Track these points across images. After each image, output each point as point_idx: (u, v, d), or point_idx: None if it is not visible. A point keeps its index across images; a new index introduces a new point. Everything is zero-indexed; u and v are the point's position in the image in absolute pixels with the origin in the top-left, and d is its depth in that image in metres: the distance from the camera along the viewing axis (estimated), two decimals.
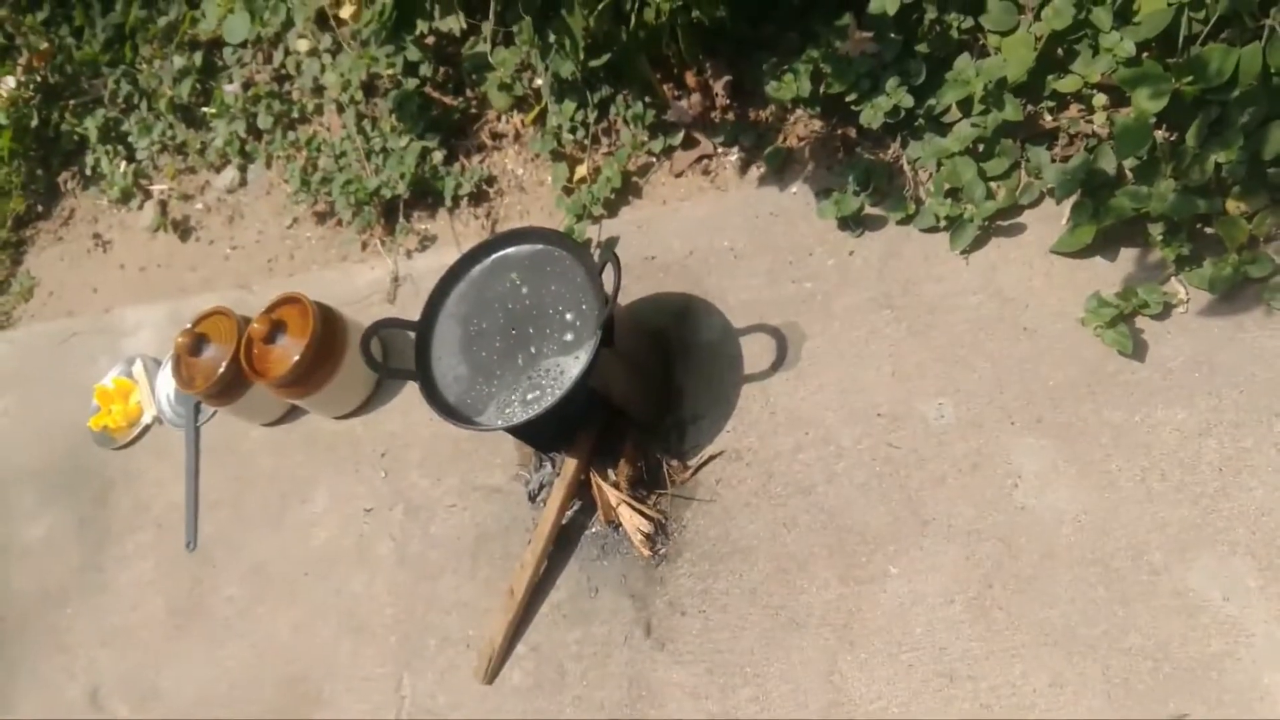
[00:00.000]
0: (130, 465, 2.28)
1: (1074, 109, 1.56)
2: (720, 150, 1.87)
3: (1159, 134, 1.46)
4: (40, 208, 2.82)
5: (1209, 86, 1.37)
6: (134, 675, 2.03)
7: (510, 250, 1.66)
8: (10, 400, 2.57)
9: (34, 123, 2.72)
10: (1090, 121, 1.53)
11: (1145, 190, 1.40)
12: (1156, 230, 1.42)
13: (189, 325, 2.04)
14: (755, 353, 1.70)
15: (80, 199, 2.77)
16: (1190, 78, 1.37)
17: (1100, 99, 1.51)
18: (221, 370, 1.96)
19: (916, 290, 1.62)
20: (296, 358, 1.87)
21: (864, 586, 1.47)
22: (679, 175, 1.90)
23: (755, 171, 1.83)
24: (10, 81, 2.75)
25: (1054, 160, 1.55)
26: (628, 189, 1.94)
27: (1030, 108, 1.58)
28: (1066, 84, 1.51)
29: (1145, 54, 1.46)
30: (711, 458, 1.65)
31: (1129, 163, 1.48)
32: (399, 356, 2.04)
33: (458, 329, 1.65)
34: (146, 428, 2.30)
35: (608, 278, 1.51)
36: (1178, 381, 1.40)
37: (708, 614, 1.55)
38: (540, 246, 1.64)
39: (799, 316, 1.68)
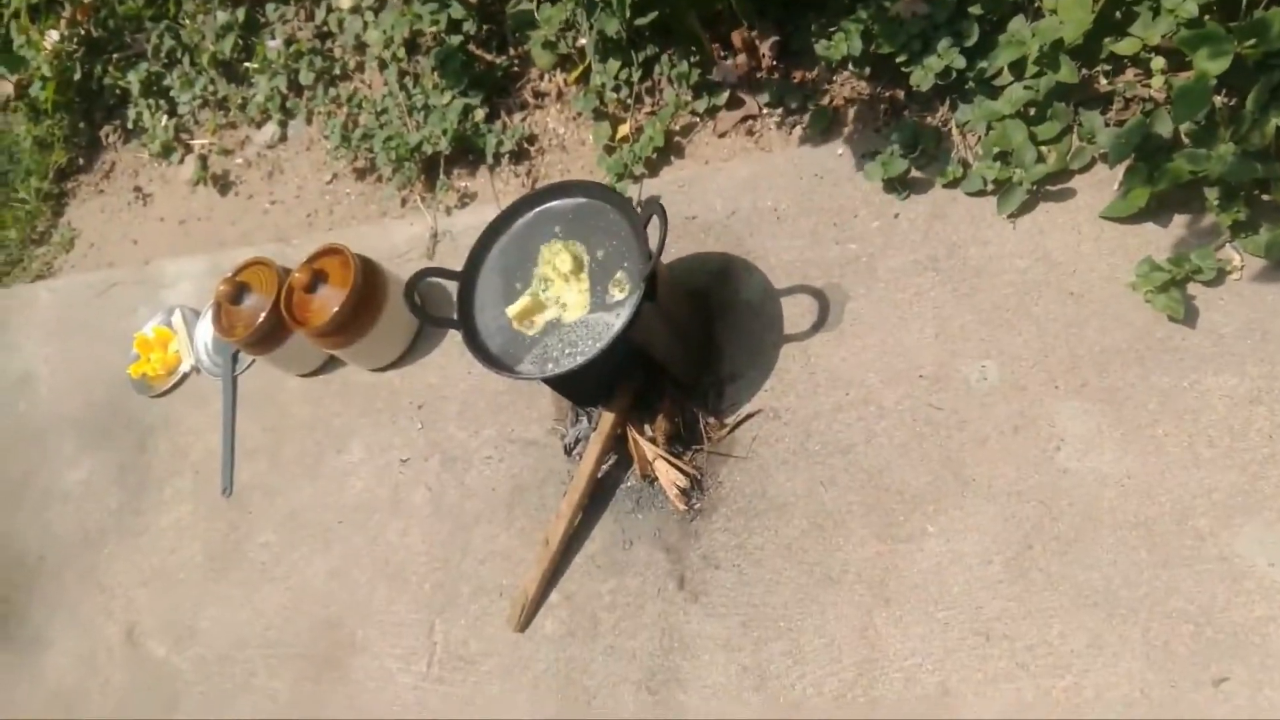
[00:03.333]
0: (168, 413, 2.32)
1: (1130, 73, 1.54)
2: (765, 111, 1.86)
3: (1218, 99, 1.44)
4: (82, 160, 2.85)
5: (1271, 50, 1.35)
6: (171, 615, 2.07)
7: (554, 203, 1.66)
8: (51, 348, 2.61)
9: (77, 76, 2.75)
10: (1148, 85, 1.51)
11: (1204, 153, 1.38)
12: (1213, 195, 1.40)
13: (230, 274, 2.06)
14: (796, 313, 1.70)
15: (121, 152, 2.80)
16: (1253, 40, 1.35)
17: (1159, 62, 1.49)
18: (262, 319, 1.98)
19: (962, 253, 1.61)
20: (337, 308, 1.89)
21: (901, 545, 1.47)
22: (723, 135, 1.90)
23: (800, 133, 1.82)
24: (54, 35, 2.78)
25: (1108, 124, 1.53)
26: (670, 149, 1.94)
27: (1085, 71, 1.56)
28: (1124, 46, 1.49)
29: (1207, 16, 1.44)
30: (749, 416, 1.66)
31: (1185, 128, 1.46)
32: (436, 312, 2.06)
33: (500, 280, 1.65)
34: (185, 376, 2.33)
35: (652, 232, 1.52)
36: (1229, 348, 1.39)
37: (742, 568, 1.56)
38: (584, 200, 1.64)
39: (842, 278, 1.68)
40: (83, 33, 2.76)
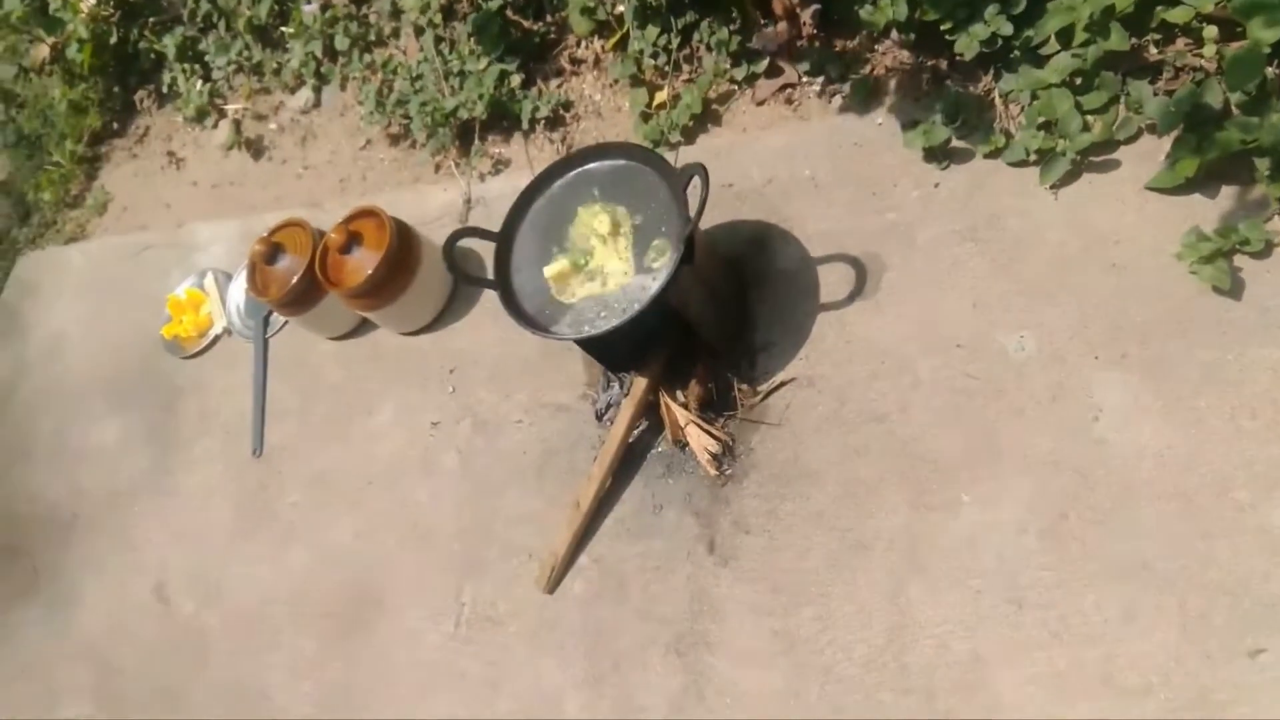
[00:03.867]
0: (199, 374, 2.34)
1: (1181, 42, 1.52)
2: (805, 80, 1.85)
3: (1270, 68, 1.42)
4: (116, 124, 2.87)
5: None
6: (200, 573, 2.09)
7: (593, 165, 1.66)
8: (84, 309, 2.64)
9: (113, 39, 2.76)
10: (1199, 55, 1.49)
11: (1255, 122, 1.36)
12: (1263, 165, 1.39)
13: (265, 234, 2.07)
14: (832, 282, 1.69)
15: (155, 117, 2.81)
16: None
17: (1210, 31, 1.47)
18: (296, 279, 1.99)
19: (1002, 224, 1.60)
20: (371, 269, 1.89)
21: (935, 513, 1.47)
22: (761, 104, 1.89)
23: (840, 102, 1.81)
24: None
25: (1156, 94, 1.52)
26: (707, 116, 1.93)
27: (1134, 40, 1.54)
28: (1177, 15, 1.47)
29: None
30: (783, 384, 1.65)
31: (1236, 98, 1.44)
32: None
33: (537, 242, 1.65)
34: (216, 338, 2.34)
35: (691, 196, 1.51)
36: (1275, 320, 1.37)
37: (773, 534, 1.56)
38: (624, 162, 1.64)
39: (880, 247, 1.67)
40: None
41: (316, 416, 2.12)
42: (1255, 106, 1.40)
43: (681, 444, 1.69)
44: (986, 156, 1.64)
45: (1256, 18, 1.35)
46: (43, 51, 2.87)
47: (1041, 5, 1.58)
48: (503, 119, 2.15)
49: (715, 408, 1.69)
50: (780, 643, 1.49)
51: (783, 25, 1.83)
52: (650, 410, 1.73)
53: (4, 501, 2.42)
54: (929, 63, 1.73)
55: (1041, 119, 1.58)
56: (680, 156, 1.92)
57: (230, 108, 2.64)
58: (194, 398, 2.31)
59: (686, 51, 1.95)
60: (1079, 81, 1.56)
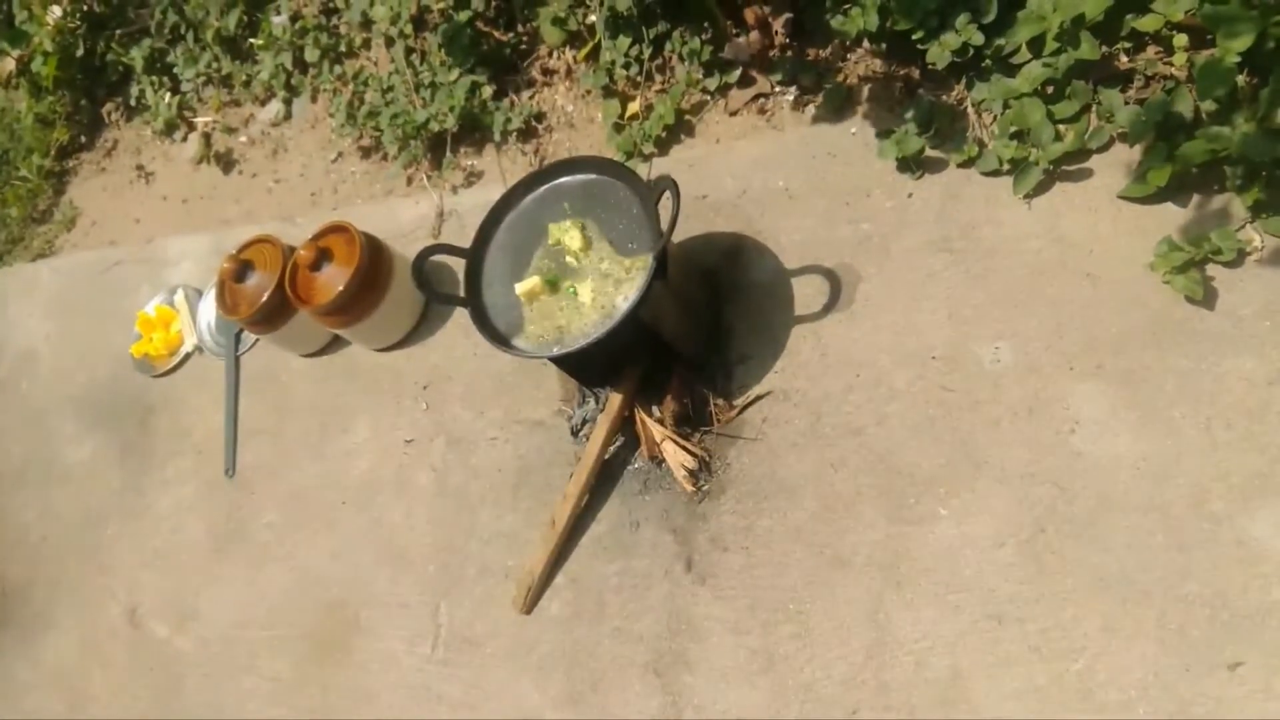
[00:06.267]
0: (171, 392, 2.30)
1: (1151, 50, 1.52)
2: (777, 89, 1.84)
3: (1240, 77, 1.42)
4: (84, 138, 2.83)
5: None
6: (173, 596, 2.06)
7: (564, 180, 1.64)
8: (53, 326, 2.60)
9: (80, 52, 2.72)
10: (1169, 64, 1.49)
11: (1225, 131, 1.36)
12: (1234, 174, 1.38)
13: (234, 251, 2.04)
14: (807, 294, 1.68)
15: (124, 130, 2.77)
16: (1277, 18, 1.32)
17: (1181, 39, 1.46)
18: (266, 297, 1.96)
19: (976, 234, 1.59)
20: (341, 286, 1.87)
21: (912, 527, 1.45)
22: (734, 114, 1.87)
23: (813, 111, 1.80)
24: (57, 10, 2.74)
25: (1127, 103, 1.51)
26: (680, 127, 1.91)
27: (1105, 48, 1.53)
28: (1147, 23, 1.47)
29: None
30: (759, 397, 1.64)
31: (1206, 107, 1.44)
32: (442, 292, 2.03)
33: (508, 258, 1.63)
34: (187, 356, 2.31)
35: (663, 210, 1.49)
36: (1248, 330, 1.37)
37: (751, 551, 1.55)
38: (594, 176, 1.62)
39: (854, 258, 1.66)
40: (85, 8, 2.73)
41: (289, 435, 2.08)
42: (1226, 115, 1.39)
43: (658, 460, 1.67)
44: (960, 166, 1.63)
45: (1226, 27, 1.34)
46: (8, 65, 2.82)
47: (1012, 14, 1.57)
48: (475, 131, 2.12)
49: (691, 422, 1.67)
50: (759, 661, 1.48)
51: (755, 35, 1.82)
52: (626, 426, 1.71)
53: None
54: (901, 72, 1.73)
55: (1014, 128, 1.57)
56: (653, 167, 1.91)
57: (200, 120, 2.60)
58: (165, 417, 2.28)
59: (659, 62, 1.93)
60: (1050, 90, 1.56)
